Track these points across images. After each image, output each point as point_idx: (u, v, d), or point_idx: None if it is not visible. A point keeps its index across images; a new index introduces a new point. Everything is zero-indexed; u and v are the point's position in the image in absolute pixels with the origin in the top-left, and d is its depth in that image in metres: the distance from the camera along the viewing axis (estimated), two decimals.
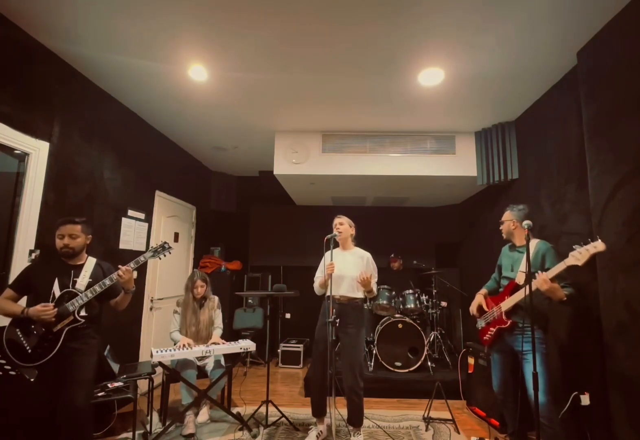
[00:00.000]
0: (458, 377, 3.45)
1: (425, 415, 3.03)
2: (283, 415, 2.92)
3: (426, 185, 4.24)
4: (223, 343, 2.94)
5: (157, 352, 2.61)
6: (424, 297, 4.26)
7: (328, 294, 2.49)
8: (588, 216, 2.38)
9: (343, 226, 2.76)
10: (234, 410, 3.01)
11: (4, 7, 2.16)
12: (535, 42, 2.39)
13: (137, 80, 2.94)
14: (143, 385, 3.20)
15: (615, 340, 2.07)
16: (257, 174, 5.46)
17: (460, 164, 3.86)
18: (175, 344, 2.91)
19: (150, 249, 2.35)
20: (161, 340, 3.85)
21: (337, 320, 2.42)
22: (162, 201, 4.08)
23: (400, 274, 4.74)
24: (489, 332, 2.37)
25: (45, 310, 1.94)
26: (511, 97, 3.13)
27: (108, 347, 2.92)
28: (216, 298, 3.28)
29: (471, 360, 3.26)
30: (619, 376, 2.03)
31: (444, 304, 4.50)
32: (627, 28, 2.04)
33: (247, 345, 2.89)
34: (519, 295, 2.14)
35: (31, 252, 2.38)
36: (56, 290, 2.04)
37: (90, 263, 2.20)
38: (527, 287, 1.89)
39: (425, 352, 3.74)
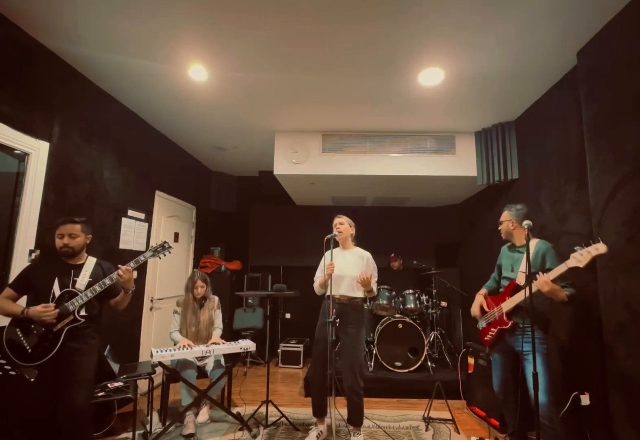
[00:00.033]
0: (458, 377, 3.45)
1: (425, 415, 3.03)
2: (283, 415, 2.92)
3: (426, 185, 4.24)
4: (223, 343, 2.94)
5: (157, 352, 2.61)
6: (424, 297, 4.26)
7: (328, 293, 2.49)
8: (588, 216, 2.38)
9: (343, 226, 2.76)
10: (234, 410, 3.01)
11: (4, 7, 2.16)
12: (535, 42, 2.39)
13: (137, 80, 2.94)
14: (143, 385, 3.20)
15: (615, 340, 2.07)
16: (257, 174, 5.46)
17: (460, 164, 3.87)
18: (175, 344, 2.91)
19: (150, 248, 2.35)
20: (161, 340, 3.85)
21: (337, 320, 2.42)
22: (162, 201, 4.08)
23: (400, 274, 4.74)
24: (490, 333, 2.36)
25: (47, 311, 1.94)
26: (511, 97, 3.13)
27: (108, 347, 2.92)
28: (216, 298, 3.28)
29: (471, 360, 3.26)
30: (619, 376, 2.03)
31: (444, 304, 4.50)
32: (627, 28, 2.04)
33: (247, 345, 2.89)
34: (520, 296, 2.13)
35: (31, 252, 2.38)
36: (56, 290, 2.04)
37: (90, 263, 2.20)
38: (528, 286, 1.89)
39: (425, 352, 3.74)
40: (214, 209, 5.41)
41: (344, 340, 2.64)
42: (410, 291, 4.22)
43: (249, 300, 5.11)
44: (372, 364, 3.85)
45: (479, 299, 2.50)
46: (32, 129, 2.43)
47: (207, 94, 3.13)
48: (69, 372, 2.00)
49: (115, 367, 2.85)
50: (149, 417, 2.91)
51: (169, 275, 4.19)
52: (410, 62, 2.63)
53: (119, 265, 2.12)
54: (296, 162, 3.89)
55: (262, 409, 2.93)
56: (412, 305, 4.14)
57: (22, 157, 2.41)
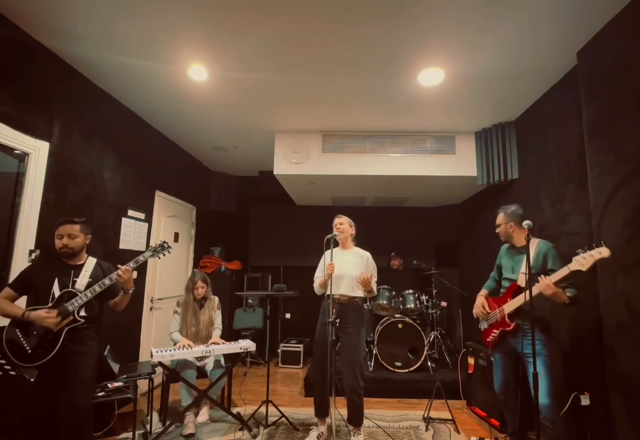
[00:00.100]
0: (458, 377, 3.45)
1: (425, 415, 3.02)
2: (283, 415, 2.92)
3: (426, 185, 4.24)
4: (223, 343, 2.94)
5: (157, 352, 2.61)
6: (424, 297, 4.26)
7: (328, 293, 2.48)
8: (588, 216, 2.38)
9: (343, 226, 2.76)
10: (234, 410, 3.01)
11: (4, 7, 2.16)
12: (535, 42, 2.39)
13: (137, 80, 2.94)
14: (143, 385, 3.20)
15: (615, 340, 2.07)
16: (257, 174, 5.46)
17: (460, 164, 3.86)
18: (175, 344, 2.91)
19: (149, 248, 2.34)
20: (161, 340, 3.85)
21: (337, 320, 2.42)
22: (162, 201, 4.08)
23: (400, 274, 4.74)
24: (493, 334, 2.36)
25: (49, 316, 1.94)
26: (511, 97, 3.13)
27: (108, 347, 2.92)
28: (216, 298, 3.28)
29: (471, 360, 3.26)
30: (619, 376, 2.03)
31: (444, 304, 4.50)
32: (627, 28, 2.04)
33: (247, 345, 2.89)
34: (522, 298, 2.10)
35: (31, 252, 2.38)
36: (56, 290, 2.04)
37: (90, 263, 2.20)
38: (529, 289, 1.89)
39: (425, 352, 3.74)
40: (214, 209, 5.41)
41: (344, 340, 2.64)
42: (410, 291, 4.22)
43: (249, 300, 5.11)
44: (372, 364, 3.84)
45: (480, 300, 2.49)
46: (32, 129, 2.43)
47: (207, 94, 3.13)
48: (69, 373, 1.99)
49: (115, 367, 2.85)
50: (149, 417, 2.91)
51: (169, 275, 4.19)
52: (410, 62, 2.63)
53: (119, 265, 2.12)
54: (296, 162, 3.89)
55: (262, 409, 2.93)
56: (412, 305, 4.14)
57: (22, 157, 2.41)
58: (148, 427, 2.76)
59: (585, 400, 2.30)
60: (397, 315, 3.96)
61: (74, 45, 2.50)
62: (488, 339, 2.41)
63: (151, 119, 3.72)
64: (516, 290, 2.23)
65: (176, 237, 4.43)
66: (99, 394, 2.43)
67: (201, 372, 2.99)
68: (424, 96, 3.12)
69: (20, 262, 2.31)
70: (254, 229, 5.61)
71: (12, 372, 1.90)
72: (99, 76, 2.90)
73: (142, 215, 3.68)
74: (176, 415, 2.79)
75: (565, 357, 2.60)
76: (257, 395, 3.57)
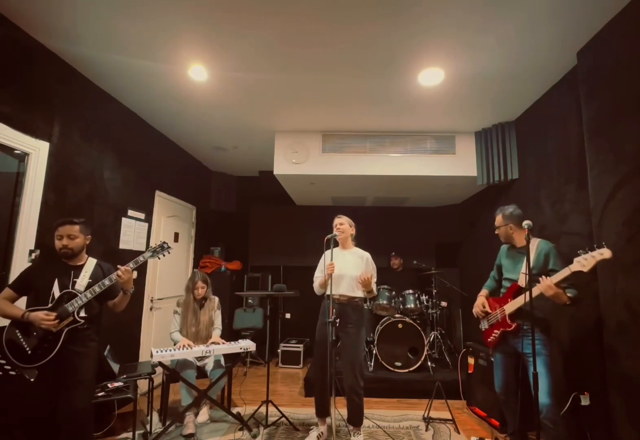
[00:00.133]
0: (458, 377, 3.45)
1: (425, 415, 3.03)
2: (283, 415, 2.92)
3: (426, 185, 4.24)
4: (223, 343, 2.94)
5: (157, 352, 2.61)
6: (424, 297, 4.26)
7: (328, 293, 2.48)
8: (588, 216, 2.38)
9: (343, 226, 2.76)
10: (234, 410, 3.01)
11: (4, 7, 2.16)
12: (535, 42, 2.39)
13: (137, 80, 2.94)
14: (143, 385, 3.20)
15: (615, 340, 2.07)
16: (257, 174, 5.46)
17: (460, 164, 3.86)
18: (175, 345, 2.91)
19: (149, 248, 2.34)
20: (161, 340, 3.85)
21: (337, 320, 2.42)
22: (162, 201, 4.08)
23: (400, 274, 4.74)
24: (494, 334, 2.35)
25: (48, 318, 1.94)
26: (511, 97, 3.13)
27: (108, 347, 2.92)
28: (216, 299, 3.28)
29: (471, 360, 3.26)
30: (619, 376, 2.03)
31: (444, 304, 4.50)
32: (627, 28, 2.04)
33: (247, 345, 2.89)
34: (523, 299, 2.11)
35: (31, 252, 2.38)
36: (56, 291, 2.04)
37: (90, 264, 2.20)
38: (529, 290, 1.89)
39: (425, 352, 3.74)
40: (214, 209, 5.41)
41: (344, 340, 2.64)
42: (410, 291, 4.22)
43: (249, 300, 5.11)
44: (372, 364, 3.84)
45: (481, 299, 2.49)
46: (32, 129, 2.42)
47: (207, 94, 3.13)
48: (69, 373, 2.00)
49: (115, 367, 2.85)
50: (149, 417, 2.91)
51: (169, 276, 4.19)
52: (410, 62, 2.63)
53: (119, 266, 2.11)
54: (296, 162, 3.89)
55: (262, 409, 2.93)
56: (412, 305, 4.14)
57: (22, 157, 2.41)
58: (148, 427, 2.76)
59: (585, 400, 2.30)
60: (397, 315, 3.96)
61: (74, 45, 2.50)
62: (489, 340, 2.41)
63: (151, 119, 3.72)
64: (517, 291, 2.23)
65: (176, 237, 4.43)
66: (99, 394, 2.43)
67: (201, 372, 2.99)
68: (424, 96, 3.11)
69: (20, 262, 2.31)
70: (254, 229, 5.61)
71: (12, 372, 1.90)
72: (99, 76, 2.90)
73: (142, 215, 3.68)
74: (176, 415, 2.79)
75: (565, 357, 2.60)
76: (257, 395, 3.57)
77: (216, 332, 3.11)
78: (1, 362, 1.89)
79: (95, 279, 2.13)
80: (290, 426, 2.87)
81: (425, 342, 3.78)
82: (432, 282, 4.41)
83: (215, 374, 2.89)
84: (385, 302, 4.04)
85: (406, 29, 2.28)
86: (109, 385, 2.55)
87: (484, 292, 2.57)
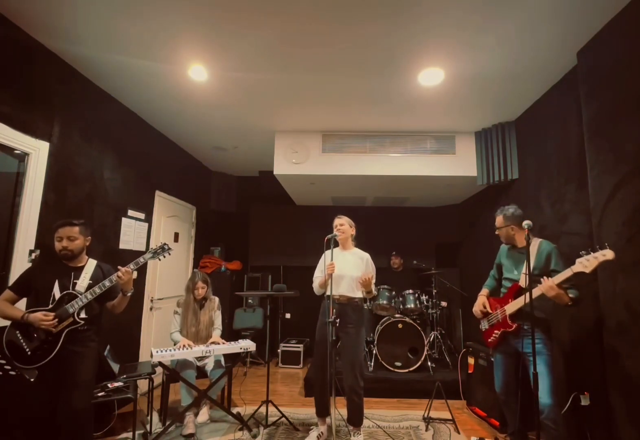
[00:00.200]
0: (458, 377, 3.45)
1: (425, 415, 3.03)
2: (283, 415, 2.92)
3: (426, 185, 4.24)
4: (223, 343, 2.94)
5: (157, 352, 2.61)
6: (424, 297, 4.26)
7: (328, 293, 2.48)
8: (588, 216, 2.38)
9: (344, 226, 2.76)
10: (234, 410, 3.01)
11: (4, 7, 2.16)
12: (535, 42, 2.39)
13: (137, 80, 2.94)
14: (143, 385, 3.20)
15: (615, 340, 2.07)
16: (257, 174, 5.46)
17: (460, 164, 3.86)
18: (175, 345, 2.91)
19: (149, 250, 2.34)
20: (161, 340, 3.85)
21: (337, 320, 2.42)
22: (162, 201, 4.08)
23: (400, 274, 4.74)
24: (494, 335, 2.35)
25: (47, 319, 1.94)
26: (511, 97, 3.13)
27: (108, 347, 2.92)
28: (216, 299, 3.28)
29: (471, 360, 3.27)
30: (619, 376, 2.03)
31: (444, 304, 4.50)
32: (627, 28, 2.04)
33: (247, 345, 2.89)
34: (523, 299, 2.11)
35: (31, 252, 2.38)
36: (56, 292, 2.04)
37: (90, 265, 2.20)
38: (530, 290, 1.88)
39: (425, 352, 3.74)
40: (214, 209, 5.41)
41: (344, 340, 2.64)
42: (410, 291, 4.22)
43: (249, 300, 5.11)
44: (372, 364, 3.84)
45: (482, 299, 2.49)
46: (32, 129, 2.42)
47: (207, 94, 3.13)
48: (68, 374, 2.00)
49: (115, 367, 2.85)
50: (149, 417, 2.91)
51: (169, 276, 4.19)
52: (410, 62, 2.63)
53: (119, 267, 2.11)
54: (296, 162, 3.89)
55: (262, 409, 2.93)
56: (412, 305, 4.14)
57: (22, 157, 2.41)
58: (148, 427, 2.76)
59: (585, 400, 2.30)
60: (397, 315, 3.96)
61: (74, 45, 2.50)
62: (489, 340, 2.41)
63: (151, 119, 3.72)
64: (517, 291, 2.23)
65: (176, 237, 4.43)
66: (99, 394, 2.43)
67: (201, 372, 2.99)
68: (424, 96, 3.11)
69: (20, 262, 2.31)
70: (254, 229, 5.61)
71: (12, 373, 1.89)
72: (99, 76, 2.90)
73: (142, 215, 3.68)
74: (176, 415, 2.79)
75: (565, 357, 2.60)
76: (257, 395, 3.57)
77: (216, 332, 3.11)
78: (1, 362, 1.89)
79: (95, 280, 2.13)
80: (290, 426, 2.87)
81: (425, 342, 3.78)
82: (432, 282, 4.41)
83: (215, 374, 2.89)
84: (385, 302, 4.04)
85: (406, 29, 2.28)
86: (109, 385, 2.55)
87: (484, 291, 2.56)
